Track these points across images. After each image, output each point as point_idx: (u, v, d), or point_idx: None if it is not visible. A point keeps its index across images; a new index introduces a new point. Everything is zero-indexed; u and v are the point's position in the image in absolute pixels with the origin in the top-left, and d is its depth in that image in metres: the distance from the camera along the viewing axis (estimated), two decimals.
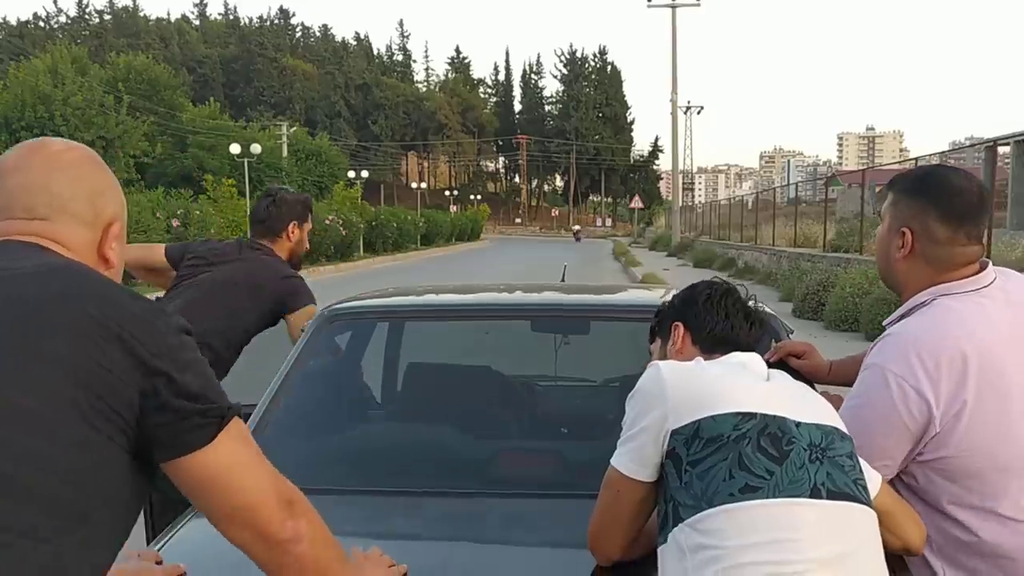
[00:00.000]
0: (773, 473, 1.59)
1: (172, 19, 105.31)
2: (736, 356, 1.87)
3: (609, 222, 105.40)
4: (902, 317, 2.07)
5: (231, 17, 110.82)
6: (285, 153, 55.71)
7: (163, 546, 1.97)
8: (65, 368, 1.23)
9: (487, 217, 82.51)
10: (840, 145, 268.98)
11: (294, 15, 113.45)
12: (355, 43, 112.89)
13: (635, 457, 1.70)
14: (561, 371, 3.38)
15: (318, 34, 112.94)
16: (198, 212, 22.45)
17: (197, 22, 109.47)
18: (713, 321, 1.96)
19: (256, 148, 35.68)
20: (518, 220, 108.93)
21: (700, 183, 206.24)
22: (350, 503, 2.28)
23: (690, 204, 72.89)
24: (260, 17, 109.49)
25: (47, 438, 1.21)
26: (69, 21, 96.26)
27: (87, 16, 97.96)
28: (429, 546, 2.10)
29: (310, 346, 2.75)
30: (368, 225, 39.24)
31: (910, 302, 2.06)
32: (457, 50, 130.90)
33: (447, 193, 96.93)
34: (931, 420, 1.90)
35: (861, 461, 1.76)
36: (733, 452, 1.60)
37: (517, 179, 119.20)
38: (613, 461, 1.74)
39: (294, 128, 64.23)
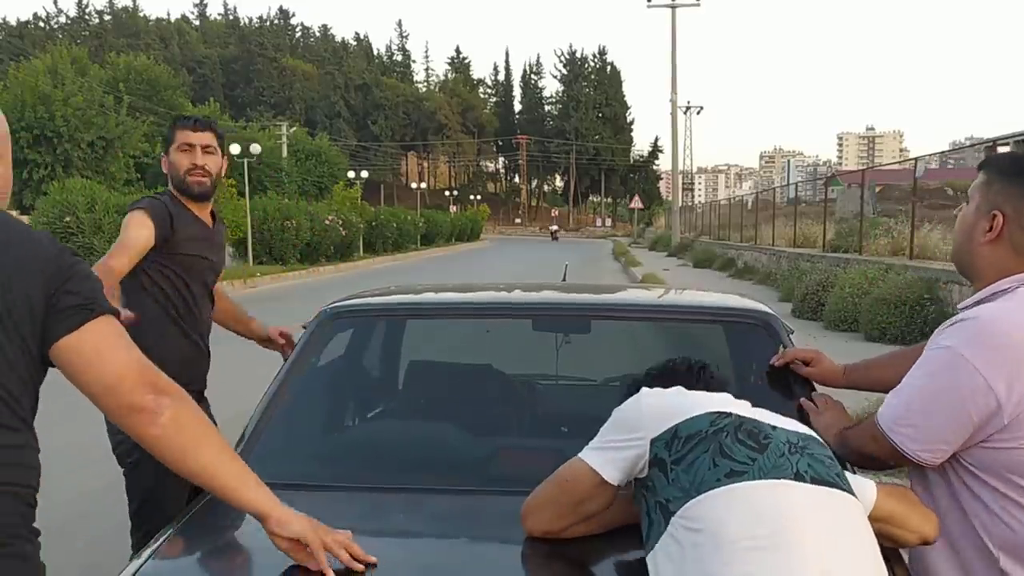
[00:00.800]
0: (755, 460, 1.63)
1: (172, 19, 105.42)
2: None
3: (609, 222, 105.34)
4: (979, 303, 1.97)
5: (231, 17, 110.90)
6: (285, 153, 55.67)
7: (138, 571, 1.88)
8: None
9: (487, 217, 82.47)
10: (840, 145, 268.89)
11: (294, 15, 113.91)
12: (355, 43, 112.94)
13: (609, 458, 1.77)
14: (562, 370, 3.38)
15: (318, 34, 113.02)
16: None
17: (197, 22, 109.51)
18: None
19: (256, 148, 35.58)
20: (518, 220, 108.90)
21: (700, 183, 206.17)
22: (351, 500, 2.29)
23: (690, 204, 72.85)
24: (260, 17, 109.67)
25: (8, 348, 1.61)
26: (69, 21, 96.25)
27: (87, 16, 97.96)
28: (429, 543, 2.10)
29: (311, 344, 2.76)
30: (368, 225, 39.24)
31: (991, 288, 1.97)
32: (457, 50, 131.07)
33: (447, 193, 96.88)
34: (998, 412, 1.84)
35: (852, 476, 1.81)
36: (713, 443, 1.65)
37: (517, 179, 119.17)
38: (584, 456, 1.81)
39: (294, 128, 64.20)
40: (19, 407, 1.64)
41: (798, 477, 1.63)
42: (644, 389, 1.86)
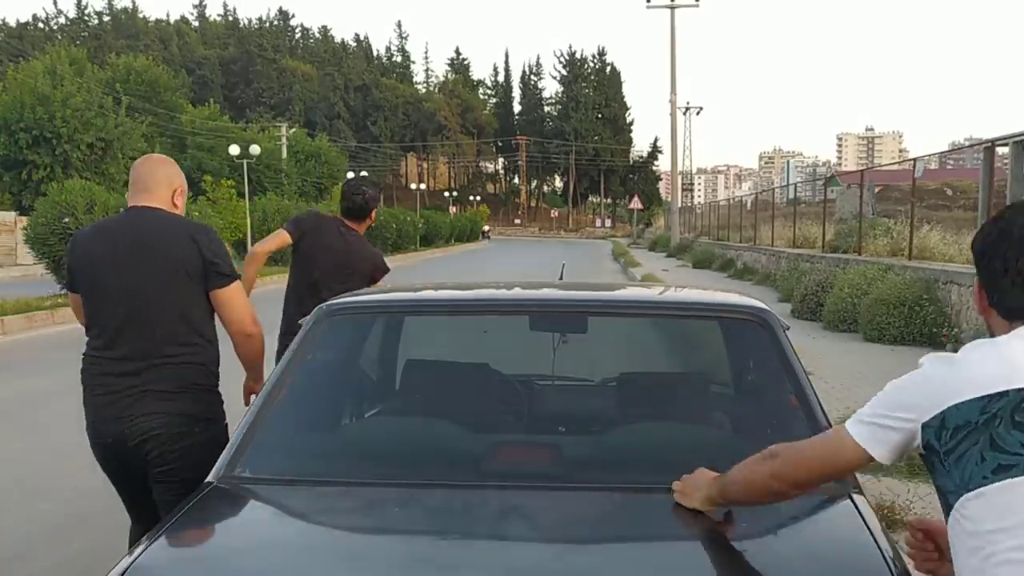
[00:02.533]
0: None
1: (171, 20, 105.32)
2: None
3: (608, 223, 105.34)
4: None
5: (230, 18, 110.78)
6: (284, 154, 55.66)
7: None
8: (174, 259, 3.07)
9: (486, 218, 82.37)
10: (839, 146, 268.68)
11: (293, 16, 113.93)
12: (354, 44, 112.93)
13: (878, 437, 1.65)
14: (560, 369, 3.38)
15: (317, 35, 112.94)
16: (197, 213, 22.41)
17: (196, 23, 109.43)
18: (1006, 283, 1.60)
19: (255, 149, 35.59)
20: (517, 221, 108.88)
21: (699, 184, 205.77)
22: (349, 495, 2.29)
23: (689, 205, 72.83)
24: (259, 18, 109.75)
25: (183, 291, 3.08)
26: (68, 22, 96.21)
27: (86, 17, 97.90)
28: (424, 537, 2.11)
29: (308, 341, 2.76)
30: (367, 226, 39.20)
31: None
32: (457, 51, 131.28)
33: (446, 194, 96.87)
34: None
35: None
36: (984, 435, 1.51)
37: (516, 180, 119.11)
38: (851, 428, 1.68)
39: (293, 129, 64.17)
40: (198, 321, 3.12)
41: None
42: (928, 356, 1.64)
